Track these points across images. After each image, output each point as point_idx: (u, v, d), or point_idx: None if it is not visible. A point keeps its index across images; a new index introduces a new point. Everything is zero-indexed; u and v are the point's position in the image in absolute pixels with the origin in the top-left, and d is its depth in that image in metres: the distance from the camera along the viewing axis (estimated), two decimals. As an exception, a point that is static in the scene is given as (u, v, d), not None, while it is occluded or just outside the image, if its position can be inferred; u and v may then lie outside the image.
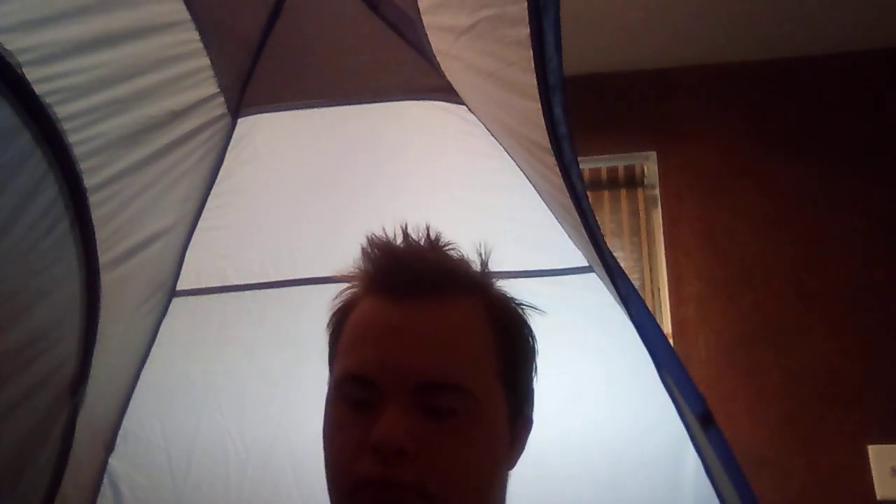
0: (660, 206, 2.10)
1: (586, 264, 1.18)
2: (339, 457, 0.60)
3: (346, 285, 0.68)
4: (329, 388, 0.64)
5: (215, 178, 1.31)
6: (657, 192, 2.12)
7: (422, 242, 0.67)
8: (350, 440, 0.59)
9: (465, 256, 0.69)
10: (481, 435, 0.60)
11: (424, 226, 0.68)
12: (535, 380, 0.69)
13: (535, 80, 0.76)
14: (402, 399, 0.58)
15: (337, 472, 0.60)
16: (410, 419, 0.57)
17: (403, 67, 1.28)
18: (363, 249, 0.65)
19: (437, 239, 0.68)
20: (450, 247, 0.68)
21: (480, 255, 0.69)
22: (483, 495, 0.61)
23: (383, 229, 0.67)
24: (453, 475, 0.58)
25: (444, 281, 0.64)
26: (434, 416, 0.58)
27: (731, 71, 2.16)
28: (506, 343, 0.65)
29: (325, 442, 0.62)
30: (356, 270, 0.67)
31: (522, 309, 0.69)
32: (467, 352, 0.62)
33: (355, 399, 0.60)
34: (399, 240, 0.66)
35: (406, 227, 0.67)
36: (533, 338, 0.69)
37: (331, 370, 0.66)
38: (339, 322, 0.67)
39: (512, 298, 0.69)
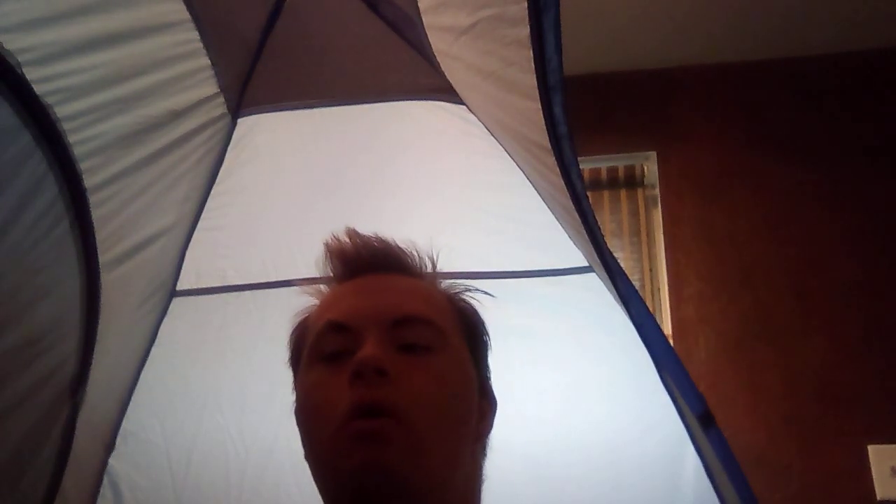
0: (660, 206, 2.10)
1: (586, 264, 1.18)
2: (320, 408, 0.60)
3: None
4: (297, 383, 0.67)
5: (215, 178, 1.31)
6: (657, 192, 2.12)
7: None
8: (330, 389, 0.60)
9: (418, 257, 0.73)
10: (453, 373, 0.63)
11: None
12: (489, 369, 0.72)
13: (535, 80, 0.76)
14: (379, 336, 0.60)
15: (318, 423, 0.60)
16: (388, 351, 0.60)
17: (403, 67, 1.27)
18: (325, 251, 0.71)
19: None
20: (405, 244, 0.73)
21: (431, 259, 0.73)
22: (455, 442, 0.61)
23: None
24: (429, 402, 0.59)
25: (403, 262, 0.70)
26: (409, 351, 0.61)
27: (731, 71, 2.16)
28: (466, 322, 0.69)
29: (301, 414, 0.63)
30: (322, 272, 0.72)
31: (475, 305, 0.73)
32: (434, 302, 0.67)
33: (332, 350, 0.62)
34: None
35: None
36: (487, 334, 0.73)
37: (295, 377, 0.70)
38: (301, 333, 0.70)
39: (465, 287, 0.73)
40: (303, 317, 0.71)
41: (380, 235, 0.71)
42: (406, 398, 0.57)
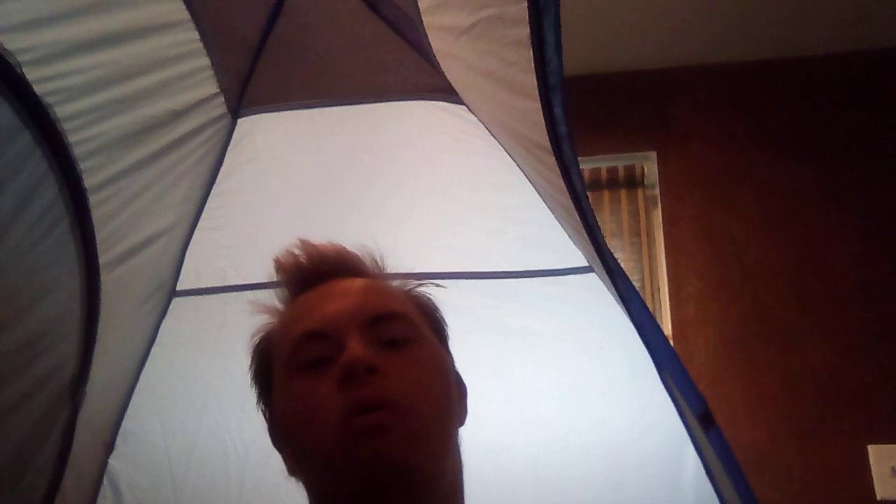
0: (660, 206, 2.10)
1: (586, 264, 1.18)
2: (309, 418, 0.60)
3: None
4: (273, 398, 0.67)
5: (215, 178, 1.31)
6: (657, 192, 2.12)
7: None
8: (316, 397, 0.60)
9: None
10: (434, 360, 0.65)
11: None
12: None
13: (535, 80, 0.76)
14: (359, 336, 0.61)
15: (310, 432, 0.60)
16: (372, 349, 0.61)
17: (403, 67, 1.27)
18: (277, 266, 0.73)
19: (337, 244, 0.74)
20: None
21: (376, 259, 0.74)
22: (447, 426, 0.63)
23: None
24: (419, 390, 0.61)
25: (359, 265, 0.72)
26: (390, 346, 0.62)
27: (731, 71, 2.16)
28: (427, 314, 0.71)
29: (286, 427, 0.64)
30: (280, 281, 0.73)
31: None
32: (399, 298, 0.69)
33: (312, 359, 0.62)
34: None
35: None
36: (446, 324, 0.74)
37: (265, 401, 0.71)
38: (267, 348, 0.71)
39: (417, 283, 0.74)
40: (262, 333, 0.73)
41: (332, 242, 0.73)
42: (398, 390, 0.59)
